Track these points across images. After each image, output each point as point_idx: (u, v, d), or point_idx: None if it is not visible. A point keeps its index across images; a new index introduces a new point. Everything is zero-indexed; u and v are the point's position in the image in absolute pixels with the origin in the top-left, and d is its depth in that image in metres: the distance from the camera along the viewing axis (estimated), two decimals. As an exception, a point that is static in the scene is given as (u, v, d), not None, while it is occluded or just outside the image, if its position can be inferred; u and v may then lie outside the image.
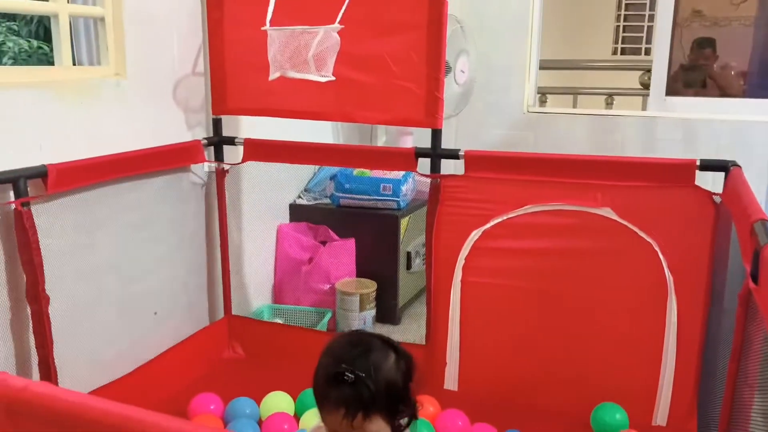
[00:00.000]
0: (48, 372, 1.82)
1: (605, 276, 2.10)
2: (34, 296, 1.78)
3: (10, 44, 5.09)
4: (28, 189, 1.75)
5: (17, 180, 1.72)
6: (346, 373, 1.15)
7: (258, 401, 2.15)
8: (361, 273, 3.04)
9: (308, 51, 2.16)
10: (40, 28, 5.15)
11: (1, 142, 1.76)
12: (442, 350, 2.29)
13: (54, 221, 1.88)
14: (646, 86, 4.34)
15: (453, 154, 2.16)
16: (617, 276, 2.08)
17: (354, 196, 3.06)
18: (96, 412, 0.55)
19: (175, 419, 0.58)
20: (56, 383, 1.84)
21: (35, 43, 5.14)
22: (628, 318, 2.09)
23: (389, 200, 3.03)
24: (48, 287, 1.81)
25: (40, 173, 1.78)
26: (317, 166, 3.29)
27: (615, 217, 2.04)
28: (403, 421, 1.23)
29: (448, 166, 2.23)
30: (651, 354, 2.07)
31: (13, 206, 1.73)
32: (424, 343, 2.34)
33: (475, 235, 2.19)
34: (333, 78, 2.17)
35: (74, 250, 1.97)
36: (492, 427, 2.01)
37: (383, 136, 3.61)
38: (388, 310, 3.03)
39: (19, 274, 1.78)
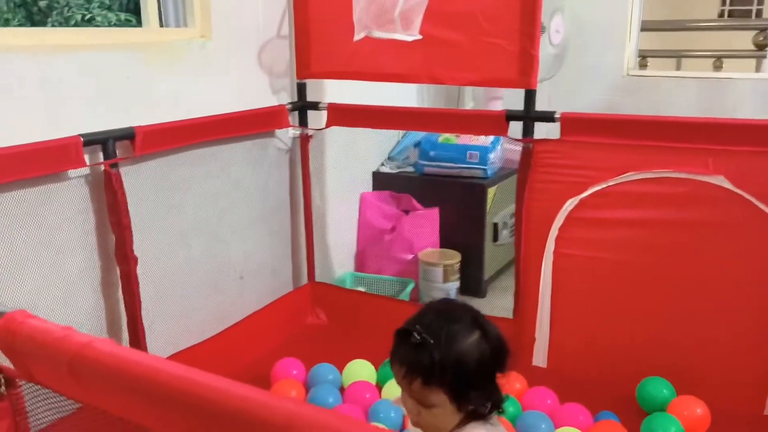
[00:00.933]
0: (136, 331, 1.85)
1: (715, 251, 1.91)
2: (122, 256, 1.80)
3: (99, 19, 5.28)
4: (117, 150, 1.77)
5: (106, 141, 1.73)
6: (414, 333, 1.10)
7: (340, 368, 2.12)
8: (445, 244, 2.95)
9: (394, 9, 2.07)
10: (131, 2, 5.31)
11: (90, 103, 1.78)
12: (531, 325, 2.18)
13: (142, 183, 1.90)
14: (760, 47, 3.97)
15: (548, 117, 2.01)
16: (729, 251, 1.89)
17: (439, 164, 2.96)
18: (159, 373, 0.51)
19: (240, 385, 0.53)
20: (144, 343, 1.87)
21: (122, 15, 5.31)
22: (740, 297, 1.90)
23: (476, 168, 2.91)
24: (136, 248, 1.83)
25: (128, 135, 1.79)
26: (401, 134, 3.21)
27: (729, 185, 1.85)
28: (485, 408, 1.14)
29: (541, 132, 2.09)
30: (766, 337, 1.88)
31: (102, 167, 1.75)
32: (511, 316, 2.24)
33: (571, 204, 2.04)
34: (420, 37, 2.07)
35: (161, 213, 1.99)
36: (583, 407, 1.89)
37: (470, 102, 3.47)
38: (473, 282, 2.94)
39: (109, 234, 1.81)
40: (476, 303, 2.77)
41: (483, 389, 1.13)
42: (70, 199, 1.73)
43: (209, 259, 2.19)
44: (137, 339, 1.85)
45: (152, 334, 1.93)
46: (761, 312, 1.87)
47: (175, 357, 2.02)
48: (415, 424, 1.17)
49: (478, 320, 1.16)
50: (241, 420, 0.48)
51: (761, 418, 1.89)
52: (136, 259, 1.83)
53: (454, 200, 2.94)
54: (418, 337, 1.10)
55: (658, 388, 1.96)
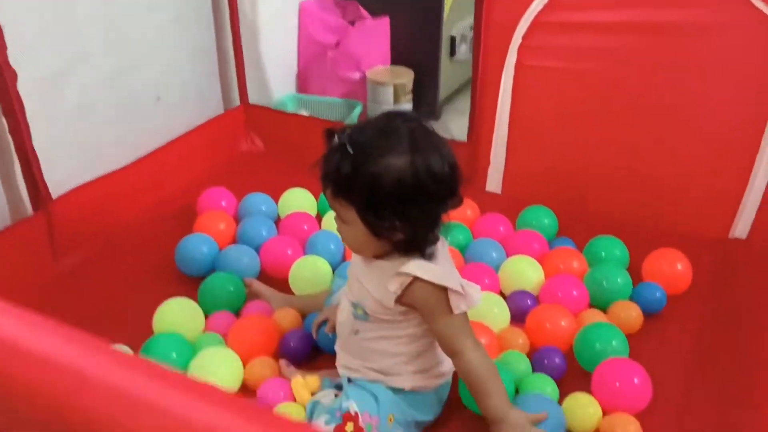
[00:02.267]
0: (27, 159, 1.57)
1: (701, 59, 1.66)
2: (-5, 69, 1.47)
3: None
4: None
5: None
6: (337, 135, 0.99)
7: (276, 199, 1.91)
8: (396, 60, 2.65)
9: None
10: None
11: None
12: (486, 147, 1.97)
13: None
14: None
15: None
16: (718, 59, 1.64)
17: (390, -36, 2.56)
18: None
19: None
20: (40, 173, 1.61)
21: None
22: (722, 113, 1.69)
23: (432, -30, 2.52)
24: (14, 59, 1.50)
25: None
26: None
27: (724, -21, 1.57)
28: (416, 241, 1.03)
29: None
30: (742, 159, 1.71)
31: (-52, -49, 1.36)
32: (465, 139, 2.02)
33: (537, 5, 1.74)
34: None
35: (46, 18, 1.62)
36: (539, 233, 1.74)
37: None
38: (426, 102, 2.68)
39: (-26, 41, 1.47)
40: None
41: (403, 220, 0.98)
42: None
43: (114, 76, 1.86)
44: (29, 168, 1.58)
45: (51, 163, 1.65)
46: (740, 131, 1.68)
47: (85, 188, 1.77)
48: (344, 240, 1.08)
49: (417, 145, 0.98)
50: None
51: (726, 241, 1.78)
52: (13, 72, 1.50)
53: (407, 8, 2.59)
54: (337, 141, 0.98)
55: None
